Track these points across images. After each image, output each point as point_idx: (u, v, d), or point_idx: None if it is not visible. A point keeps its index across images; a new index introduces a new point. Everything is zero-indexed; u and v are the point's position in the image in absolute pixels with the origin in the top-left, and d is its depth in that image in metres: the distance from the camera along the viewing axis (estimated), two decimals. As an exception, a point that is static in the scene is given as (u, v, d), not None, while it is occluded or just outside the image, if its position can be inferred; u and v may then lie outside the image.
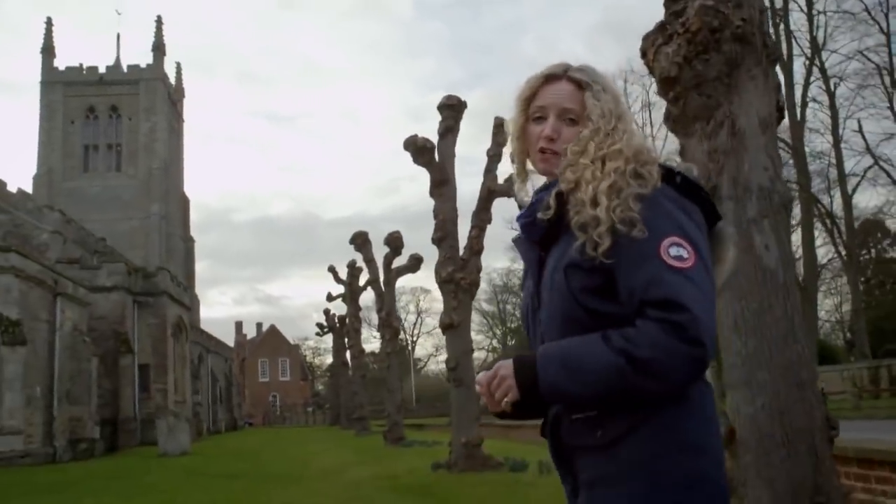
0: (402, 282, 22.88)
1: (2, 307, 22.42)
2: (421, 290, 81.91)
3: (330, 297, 35.76)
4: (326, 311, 42.75)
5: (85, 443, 26.55)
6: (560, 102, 1.78)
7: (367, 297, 36.20)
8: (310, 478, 16.27)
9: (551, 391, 1.57)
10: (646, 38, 4.43)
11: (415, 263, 23.50)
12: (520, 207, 1.88)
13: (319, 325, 47.17)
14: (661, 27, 4.31)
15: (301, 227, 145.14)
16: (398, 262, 23.04)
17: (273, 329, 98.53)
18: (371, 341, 63.90)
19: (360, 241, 24.22)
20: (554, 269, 1.70)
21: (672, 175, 1.66)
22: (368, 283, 23.92)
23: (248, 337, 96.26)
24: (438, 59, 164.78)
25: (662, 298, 1.50)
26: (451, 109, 14.89)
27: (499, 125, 14.83)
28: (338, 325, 40.78)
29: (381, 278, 23.56)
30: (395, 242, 22.65)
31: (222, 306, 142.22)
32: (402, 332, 77.85)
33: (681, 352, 1.47)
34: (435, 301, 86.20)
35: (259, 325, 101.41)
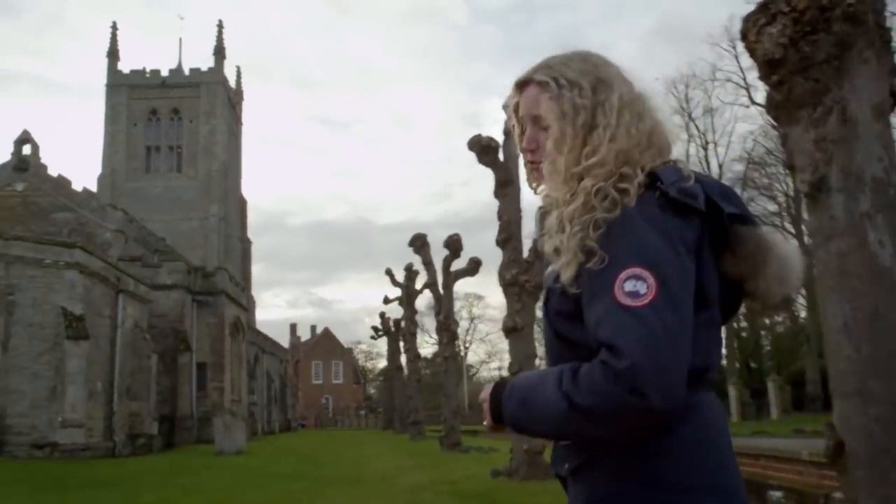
0: (456, 287, 22.71)
1: (66, 302, 22.77)
2: (474, 296, 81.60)
3: (387, 301, 35.65)
4: (382, 315, 42.65)
5: (143, 438, 26.81)
6: (530, 110, 1.62)
7: (422, 301, 36.11)
8: (367, 481, 16.07)
9: (512, 425, 1.50)
10: (746, 18, 4.09)
11: (473, 267, 23.20)
12: None
13: (374, 329, 47.12)
14: (763, 6, 3.95)
15: (355, 231, 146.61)
16: (456, 265, 22.81)
17: (327, 332, 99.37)
18: (424, 346, 63.78)
19: (419, 243, 23.99)
20: (543, 290, 1.61)
21: (655, 184, 1.44)
22: (426, 285, 23.67)
23: (302, 339, 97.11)
24: (493, 64, 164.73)
25: (605, 341, 1.34)
26: (518, 107, 14.50)
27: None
28: (393, 328, 40.64)
29: (440, 281, 23.29)
30: (454, 245, 22.36)
31: (276, 308, 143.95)
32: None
33: (622, 402, 1.31)
34: (488, 307, 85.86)
35: (313, 328, 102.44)
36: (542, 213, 1.59)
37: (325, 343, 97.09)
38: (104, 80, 62.44)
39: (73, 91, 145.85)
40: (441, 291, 23.17)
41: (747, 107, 45.19)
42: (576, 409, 1.35)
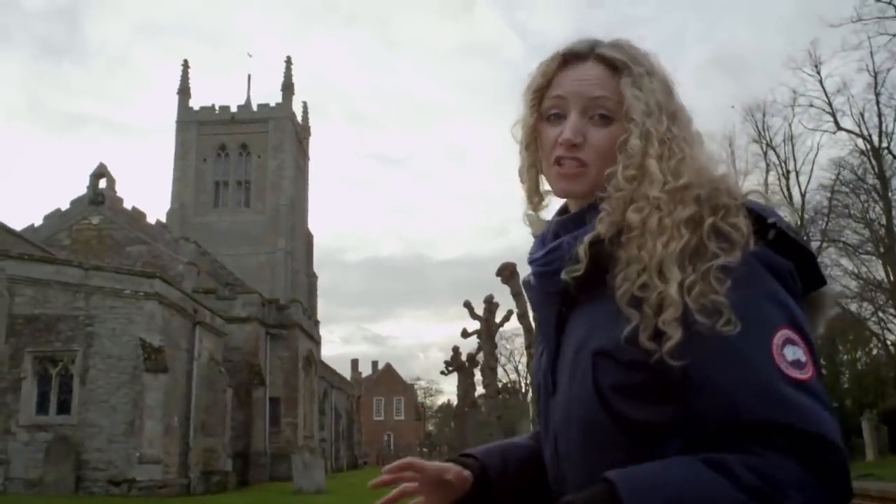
0: (515, 323, 21.45)
1: (145, 333, 22.19)
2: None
3: (465, 334, 34.27)
4: (455, 349, 41.37)
5: (218, 475, 26.00)
6: (586, 91, 1.26)
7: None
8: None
9: None
10: None
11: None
12: (533, 234, 1.42)
13: (446, 364, 45.75)
14: None
15: (410, 267, 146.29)
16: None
17: (389, 368, 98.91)
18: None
19: (508, 273, 22.74)
20: (578, 350, 1.21)
21: (763, 226, 1.14)
22: (517, 316, 22.47)
23: (363, 375, 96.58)
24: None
25: (792, 426, 1.04)
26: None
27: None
28: (467, 363, 39.33)
29: (531, 313, 22.09)
30: (546, 273, 21.15)
31: (331, 344, 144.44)
32: (516, 375, 76.09)
33: (831, 496, 1.03)
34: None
35: (374, 364, 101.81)
36: (603, 242, 1.18)
37: (386, 379, 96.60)
38: (174, 118, 63.23)
39: (137, 131, 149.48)
40: (532, 323, 21.91)
41: (833, 132, 43.35)
42: None
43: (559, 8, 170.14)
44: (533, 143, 1.35)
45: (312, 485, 23.55)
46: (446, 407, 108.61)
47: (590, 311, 1.21)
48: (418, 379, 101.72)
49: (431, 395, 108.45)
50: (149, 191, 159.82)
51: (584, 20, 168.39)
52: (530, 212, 1.44)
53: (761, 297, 1.10)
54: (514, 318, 32.03)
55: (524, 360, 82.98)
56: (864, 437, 36.47)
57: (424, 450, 77.81)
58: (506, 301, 27.11)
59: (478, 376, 41.91)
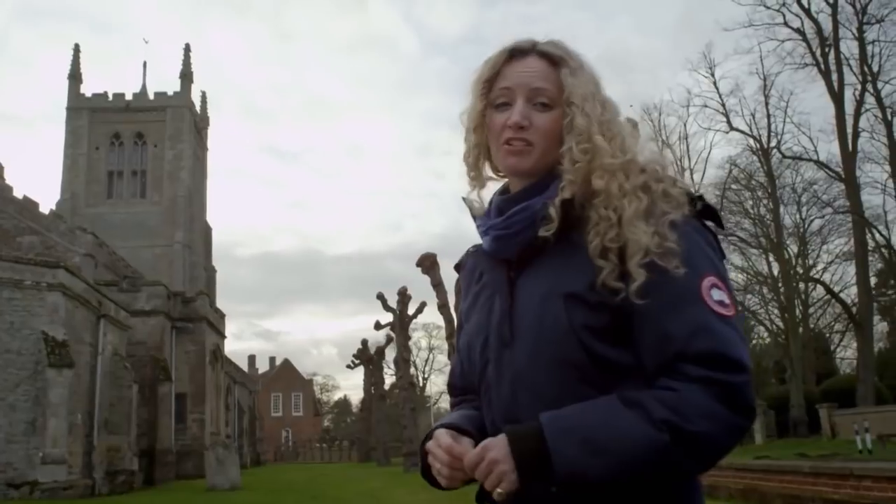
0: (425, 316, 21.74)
1: (48, 327, 20.94)
2: (434, 325, 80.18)
3: (378, 326, 34.13)
4: (364, 342, 41.05)
5: (123, 475, 24.86)
6: (530, 82, 1.45)
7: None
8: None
9: (570, 474, 1.24)
10: None
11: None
12: (474, 217, 1.56)
13: (354, 357, 45.36)
14: None
15: (305, 262, 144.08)
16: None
17: (287, 363, 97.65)
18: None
19: (428, 263, 22.75)
20: (545, 298, 1.37)
21: (693, 199, 1.39)
22: (438, 307, 22.38)
23: (259, 371, 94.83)
24: (446, 95, 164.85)
25: (712, 352, 1.24)
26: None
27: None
28: (376, 357, 39.11)
29: (452, 302, 22.08)
30: (468, 263, 21.18)
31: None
32: (413, 369, 76.21)
33: (733, 423, 1.23)
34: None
35: (272, 359, 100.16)
36: (572, 203, 1.39)
37: (284, 374, 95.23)
38: (63, 105, 60.13)
39: (18, 120, 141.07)
40: (454, 314, 21.91)
41: (727, 132, 45.25)
42: (682, 440, 1.20)
43: (455, 4, 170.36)
44: (480, 128, 1.52)
45: (227, 481, 22.85)
46: (343, 402, 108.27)
47: (550, 266, 1.39)
48: (314, 374, 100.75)
49: (328, 391, 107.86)
50: (35, 182, 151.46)
51: (480, 17, 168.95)
52: (471, 195, 1.58)
53: (696, 247, 1.33)
54: (426, 310, 32.12)
55: (422, 354, 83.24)
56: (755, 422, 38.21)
57: (324, 445, 76.95)
58: (417, 294, 27.16)
59: (385, 369, 41.82)
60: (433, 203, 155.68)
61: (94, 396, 23.76)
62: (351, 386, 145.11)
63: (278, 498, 20.17)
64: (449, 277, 22.90)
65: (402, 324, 30.56)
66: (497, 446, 1.28)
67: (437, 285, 22.80)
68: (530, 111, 1.44)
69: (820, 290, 47.88)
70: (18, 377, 20.54)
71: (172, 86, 62.38)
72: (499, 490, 1.27)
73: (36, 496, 19.40)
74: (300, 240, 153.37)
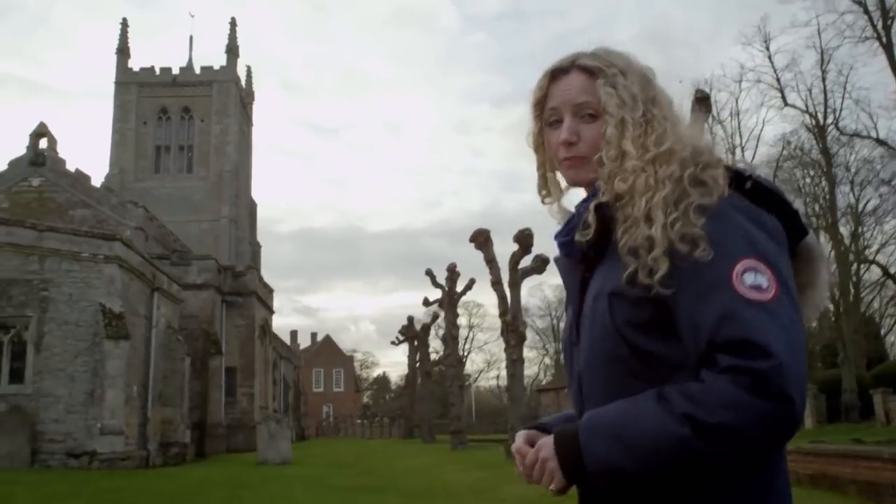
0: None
1: (105, 299, 21.13)
2: (474, 303, 79.86)
3: (427, 303, 34.03)
4: (410, 319, 40.99)
5: (176, 447, 25.11)
6: (572, 98, 1.53)
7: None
8: (459, 494, 14.56)
9: (601, 471, 1.29)
10: None
11: (540, 265, 21.68)
12: (559, 223, 1.63)
13: (401, 333, 45.32)
14: None
15: (344, 239, 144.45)
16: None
17: (328, 339, 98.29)
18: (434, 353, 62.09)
19: (482, 239, 22.42)
20: (596, 297, 1.45)
21: (742, 179, 1.38)
22: (491, 283, 22.09)
23: (301, 347, 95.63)
24: (484, 70, 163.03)
25: (738, 339, 1.23)
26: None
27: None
28: (421, 333, 39.02)
29: (505, 279, 21.76)
30: (525, 240, 20.85)
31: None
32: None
33: (763, 413, 1.19)
34: (488, 315, 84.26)
35: (314, 335, 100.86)
36: (607, 206, 1.44)
37: (326, 350, 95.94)
38: (111, 79, 60.78)
39: (62, 94, 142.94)
40: (507, 290, 21.63)
41: (781, 108, 44.09)
42: (702, 432, 1.20)
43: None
44: (541, 147, 1.62)
45: (278, 456, 22.91)
46: (382, 379, 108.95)
47: (604, 266, 1.44)
48: (354, 351, 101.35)
49: (367, 367, 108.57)
50: (82, 157, 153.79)
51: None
52: (552, 208, 1.66)
53: (728, 230, 1.30)
54: (474, 287, 31.90)
55: (462, 332, 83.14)
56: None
57: (364, 421, 77.54)
58: (467, 270, 26.85)
59: (430, 347, 41.70)
60: (472, 180, 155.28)
61: (149, 369, 23.99)
62: (389, 363, 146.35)
63: (331, 472, 20.15)
64: (501, 254, 22.63)
65: (450, 301, 30.35)
66: (547, 446, 1.36)
67: (491, 261, 22.49)
68: (578, 125, 1.52)
69: (871, 272, 46.76)
70: (77, 348, 20.78)
71: (214, 60, 62.64)
72: (551, 488, 1.35)
73: (95, 466, 19.65)
74: (340, 216, 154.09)
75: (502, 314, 21.77)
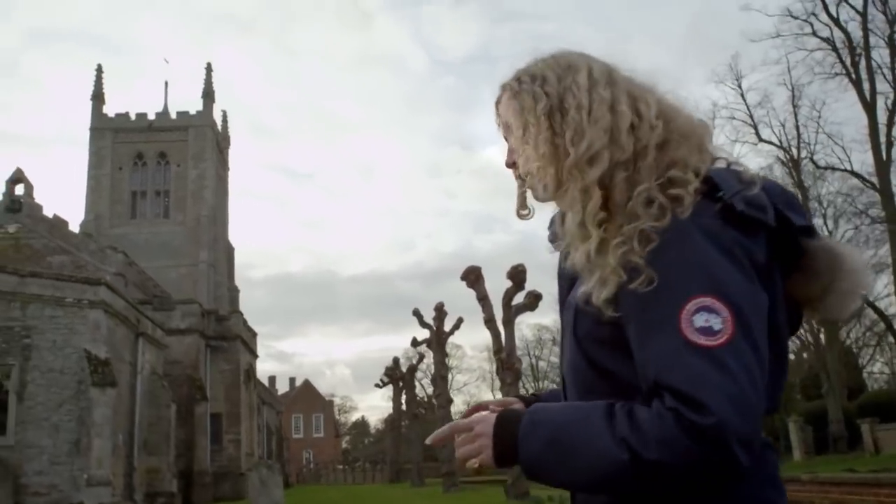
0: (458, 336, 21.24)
1: (91, 345, 20.58)
2: (453, 345, 79.23)
3: (415, 343, 33.63)
4: (395, 360, 40.54)
5: (163, 497, 24.40)
6: (501, 121, 1.50)
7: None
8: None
9: (531, 469, 1.26)
10: None
11: (533, 301, 21.45)
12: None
13: (386, 374, 44.75)
14: None
15: (319, 283, 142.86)
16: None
17: (307, 384, 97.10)
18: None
19: (473, 277, 22.19)
20: (566, 307, 1.44)
21: (714, 192, 1.23)
22: (484, 321, 21.82)
23: (279, 392, 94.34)
24: (454, 113, 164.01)
25: (678, 390, 1.14)
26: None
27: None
28: (407, 374, 38.56)
29: (498, 317, 21.50)
30: (518, 276, 20.63)
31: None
32: (432, 387, 75.42)
33: (700, 457, 1.13)
34: (466, 356, 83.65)
35: (292, 380, 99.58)
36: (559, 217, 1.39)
37: (305, 395, 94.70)
38: (88, 124, 60.22)
39: (32, 141, 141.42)
40: (501, 328, 21.36)
41: (755, 144, 44.66)
42: (638, 464, 1.14)
43: (464, 21, 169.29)
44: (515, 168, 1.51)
45: (270, 502, 22.25)
46: (360, 423, 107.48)
47: (578, 283, 1.38)
48: (332, 395, 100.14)
49: (346, 412, 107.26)
50: (57, 203, 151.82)
51: (490, 35, 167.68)
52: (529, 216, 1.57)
53: (682, 263, 1.18)
54: (463, 326, 31.59)
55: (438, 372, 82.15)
56: (791, 437, 37.26)
57: (346, 466, 76.26)
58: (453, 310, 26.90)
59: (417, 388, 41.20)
60: (444, 222, 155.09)
61: (134, 416, 23.36)
62: (367, 407, 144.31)
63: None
64: (494, 291, 22.39)
65: (438, 340, 30.00)
66: (486, 422, 1.30)
67: (483, 299, 22.22)
68: (514, 145, 1.44)
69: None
70: (62, 396, 20.16)
71: (189, 105, 62.34)
72: (472, 461, 1.30)
73: (81, 519, 18.95)
74: (314, 260, 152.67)
75: (496, 352, 21.46)
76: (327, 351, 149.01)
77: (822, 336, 42.38)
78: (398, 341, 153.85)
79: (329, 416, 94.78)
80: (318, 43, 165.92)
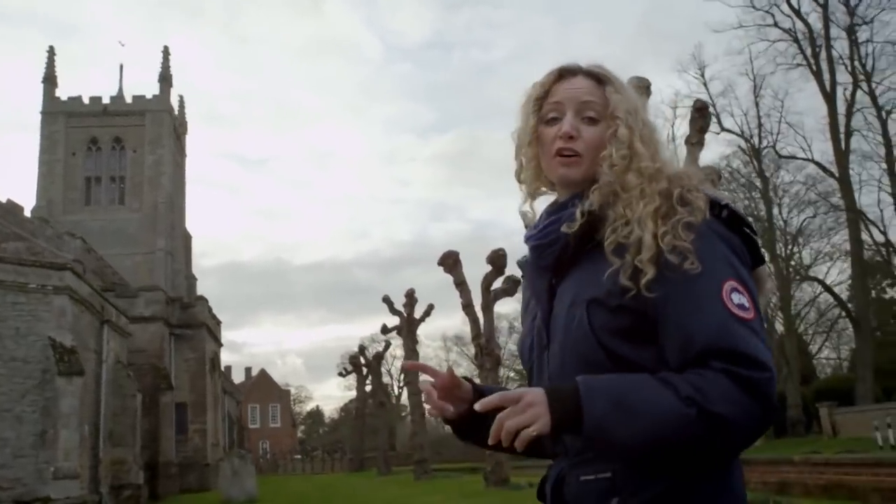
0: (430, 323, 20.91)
1: (55, 332, 19.79)
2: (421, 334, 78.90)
3: (385, 330, 33.22)
4: (361, 348, 40.05)
5: (129, 489, 23.72)
6: (579, 96, 1.58)
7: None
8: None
9: (597, 432, 1.32)
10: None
11: (513, 286, 21.26)
12: (526, 226, 1.69)
13: (353, 361, 44.22)
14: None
15: (272, 271, 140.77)
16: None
17: (263, 374, 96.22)
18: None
19: (451, 261, 21.87)
20: (572, 303, 1.49)
21: (717, 207, 1.46)
22: (462, 306, 21.54)
23: (235, 382, 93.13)
24: (409, 101, 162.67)
25: (734, 350, 1.32)
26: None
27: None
28: (373, 361, 38.13)
29: (476, 302, 21.28)
30: (499, 261, 20.41)
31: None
32: (389, 378, 74.75)
33: (754, 412, 1.30)
34: (425, 346, 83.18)
35: (248, 370, 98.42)
36: (593, 210, 1.50)
37: (262, 385, 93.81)
38: (40, 108, 58.36)
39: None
40: (479, 313, 21.12)
41: (717, 133, 45.11)
42: (706, 418, 1.27)
43: (419, 7, 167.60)
44: (534, 143, 1.62)
45: (242, 493, 21.83)
46: (315, 413, 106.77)
47: (577, 276, 1.49)
48: (287, 385, 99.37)
49: (301, 402, 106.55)
50: (6, 191, 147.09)
51: (445, 21, 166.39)
52: (526, 207, 1.68)
53: (715, 252, 1.39)
54: (433, 314, 31.29)
55: (397, 363, 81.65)
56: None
57: (303, 456, 75.56)
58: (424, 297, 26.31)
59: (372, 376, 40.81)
60: (399, 210, 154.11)
61: (100, 407, 22.61)
62: (322, 396, 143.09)
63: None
64: (472, 278, 22.15)
65: (409, 327, 29.68)
66: (535, 393, 1.34)
67: (461, 284, 21.95)
68: (579, 123, 1.55)
69: (803, 291, 48.13)
70: (25, 387, 19.36)
71: (145, 89, 60.79)
72: (530, 430, 1.30)
73: (47, 513, 18.25)
74: (267, 248, 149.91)
75: (475, 337, 21.23)
76: (279, 340, 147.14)
77: (777, 325, 43.19)
78: (353, 330, 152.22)
79: (286, 405, 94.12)
80: (268, 29, 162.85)
